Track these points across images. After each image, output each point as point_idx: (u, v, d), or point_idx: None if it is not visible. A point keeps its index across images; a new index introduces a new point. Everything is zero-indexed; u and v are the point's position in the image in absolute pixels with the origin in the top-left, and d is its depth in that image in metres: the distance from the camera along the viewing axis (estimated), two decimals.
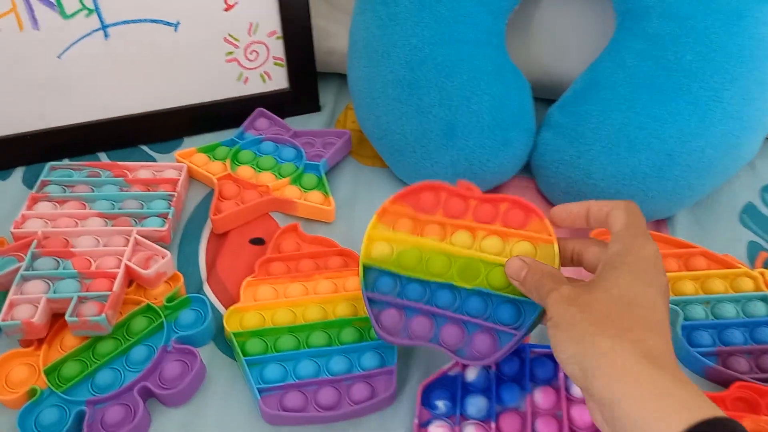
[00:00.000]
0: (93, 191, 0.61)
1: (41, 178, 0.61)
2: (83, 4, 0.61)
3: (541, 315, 0.45)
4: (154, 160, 0.67)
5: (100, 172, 0.63)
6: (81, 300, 0.50)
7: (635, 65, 0.58)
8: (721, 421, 0.32)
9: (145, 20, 0.63)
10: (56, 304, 0.50)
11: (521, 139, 0.62)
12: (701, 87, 0.56)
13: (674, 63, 0.56)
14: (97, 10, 0.61)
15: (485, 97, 0.59)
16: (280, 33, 0.68)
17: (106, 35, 0.63)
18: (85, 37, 0.62)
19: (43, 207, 0.59)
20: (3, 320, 0.49)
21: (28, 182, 0.64)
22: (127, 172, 0.63)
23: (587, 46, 0.65)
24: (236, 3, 0.65)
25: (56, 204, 0.59)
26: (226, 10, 0.65)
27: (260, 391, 0.48)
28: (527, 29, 0.67)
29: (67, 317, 0.49)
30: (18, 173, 0.65)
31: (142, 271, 0.52)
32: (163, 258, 0.54)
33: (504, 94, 0.60)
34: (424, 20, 0.59)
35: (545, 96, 0.70)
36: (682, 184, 0.58)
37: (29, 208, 0.58)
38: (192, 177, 0.65)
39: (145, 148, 0.69)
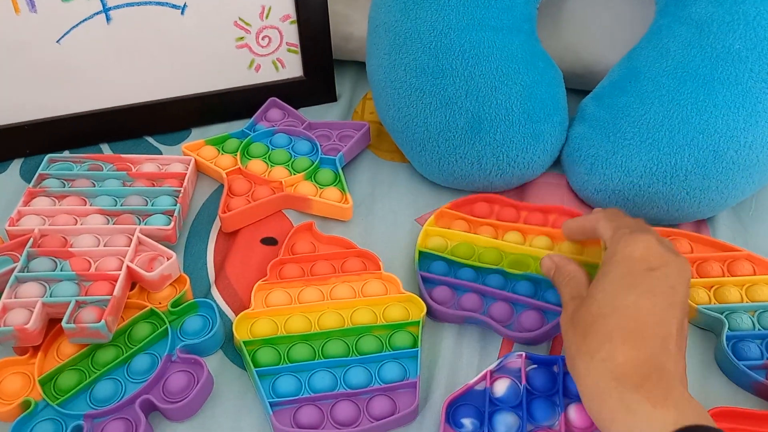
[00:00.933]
0: (94, 186, 0.57)
1: (39, 171, 0.58)
2: None
3: None
4: (160, 153, 0.63)
5: (102, 166, 0.59)
6: (79, 304, 0.46)
7: (679, 54, 0.53)
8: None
9: (149, 2, 0.59)
10: (53, 309, 0.47)
11: (553, 133, 0.58)
12: (751, 78, 0.51)
13: (722, 51, 0.52)
14: None
15: (515, 87, 0.55)
16: (294, 17, 0.64)
17: (108, 18, 0.59)
18: (85, 20, 0.58)
19: (41, 203, 0.55)
20: None
21: (26, 176, 0.61)
22: (131, 166, 0.59)
23: (623, 33, 0.61)
24: None
25: (55, 199, 0.56)
26: None
27: (272, 405, 0.44)
28: (559, 14, 0.62)
29: (63, 324, 0.45)
30: (15, 166, 0.61)
31: (146, 274, 0.49)
32: (168, 259, 0.50)
33: (535, 84, 0.56)
34: (450, 4, 0.55)
35: (577, 87, 0.66)
36: (727, 183, 0.54)
37: (26, 204, 0.55)
38: (200, 171, 0.61)
39: (150, 139, 0.65)
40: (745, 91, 0.51)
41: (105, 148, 0.64)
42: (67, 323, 0.45)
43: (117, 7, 0.59)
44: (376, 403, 0.45)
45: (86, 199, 0.56)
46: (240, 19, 0.63)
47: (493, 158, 0.56)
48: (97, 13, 0.58)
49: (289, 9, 0.64)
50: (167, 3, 0.60)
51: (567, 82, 0.60)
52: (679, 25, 0.54)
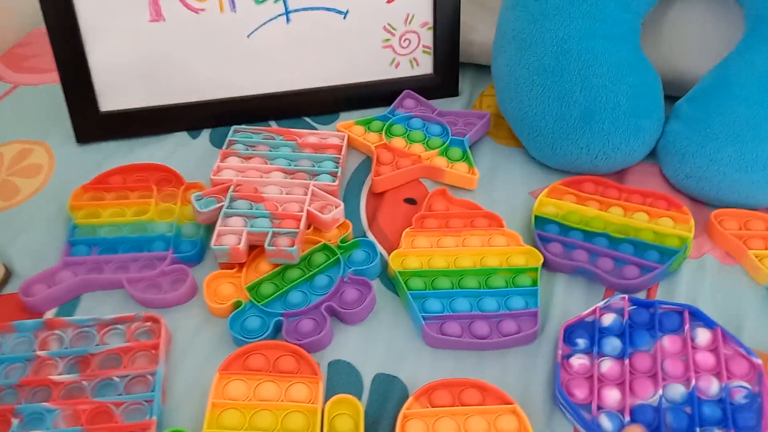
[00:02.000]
0: (270, 151, 0.71)
1: (228, 138, 0.72)
2: None
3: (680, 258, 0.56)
4: (316, 129, 0.77)
5: (275, 136, 0.73)
6: (274, 234, 0.60)
7: (764, 67, 0.64)
8: None
9: (320, 8, 0.74)
10: (254, 237, 0.60)
11: (652, 127, 0.69)
12: None
13: None
14: None
15: (622, 86, 0.66)
16: (431, 24, 0.77)
17: (288, 20, 0.73)
18: (271, 20, 0.73)
19: (233, 161, 0.69)
20: (214, 245, 0.59)
21: (214, 141, 0.75)
22: (297, 138, 0.73)
23: (713, 47, 0.71)
24: None
25: (242, 159, 0.70)
26: (389, 2, 0.75)
27: (424, 318, 0.56)
28: (659, 29, 0.73)
29: (266, 246, 0.59)
30: (205, 134, 0.76)
31: (322, 216, 0.62)
32: (336, 207, 0.63)
33: (638, 85, 0.67)
34: (571, 16, 0.67)
35: (669, 92, 0.76)
36: None
37: (222, 161, 0.69)
38: (349, 145, 0.75)
39: (307, 119, 0.79)
40: None
41: (272, 124, 0.78)
42: (269, 246, 0.59)
43: (295, 10, 0.73)
44: (504, 324, 0.56)
45: (266, 161, 0.70)
46: (388, 24, 0.76)
47: (600, 146, 0.68)
48: (280, 15, 0.73)
49: (428, 17, 0.77)
50: (334, 8, 0.74)
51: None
52: (766, 44, 0.64)
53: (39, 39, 0.90)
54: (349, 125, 0.75)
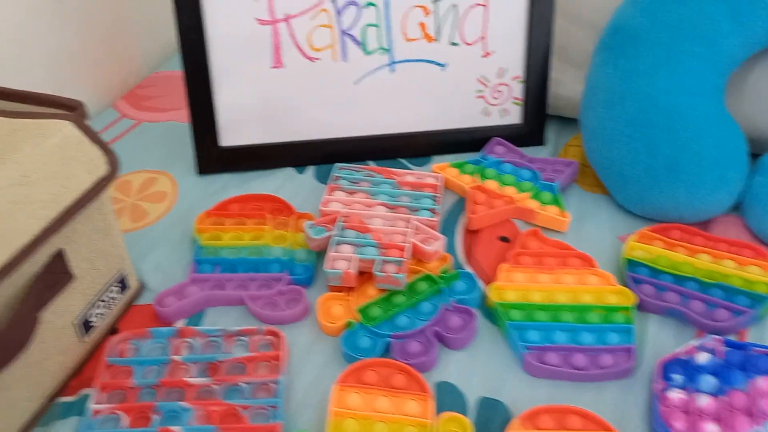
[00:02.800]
0: (372, 187, 0.77)
1: (333, 173, 0.78)
2: (381, 45, 0.79)
3: None
4: (410, 170, 0.83)
5: (375, 174, 0.79)
6: (382, 262, 0.65)
7: None
8: None
9: (422, 60, 0.81)
10: (363, 263, 0.65)
11: (737, 179, 0.72)
12: None
13: None
14: (390, 50, 0.79)
15: (708, 139, 0.70)
16: (522, 78, 0.83)
17: (392, 69, 0.80)
18: (377, 69, 0.80)
19: (339, 195, 0.75)
20: (328, 268, 0.64)
21: (318, 177, 0.82)
22: (396, 176, 0.79)
23: None
24: (494, 52, 0.81)
25: (347, 194, 0.76)
26: (484, 56, 0.81)
27: (525, 347, 0.60)
28: (742, 88, 0.77)
29: (375, 271, 0.64)
30: (310, 170, 0.83)
31: (425, 247, 0.67)
32: (437, 240, 0.68)
33: (723, 139, 0.71)
34: (659, 74, 0.72)
35: (752, 150, 0.80)
36: None
37: (329, 194, 0.75)
38: (444, 186, 0.80)
39: (403, 160, 0.85)
40: None
41: (370, 163, 0.84)
42: (379, 272, 0.63)
43: (400, 61, 0.80)
44: (601, 357, 0.59)
45: (369, 196, 0.75)
46: (483, 77, 0.83)
47: (685, 195, 0.71)
48: (386, 65, 0.80)
49: (520, 71, 0.83)
50: (435, 61, 0.81)
51: None
52: None
53: (157, 82, 1.00)
54: (443, 167, 0.81)
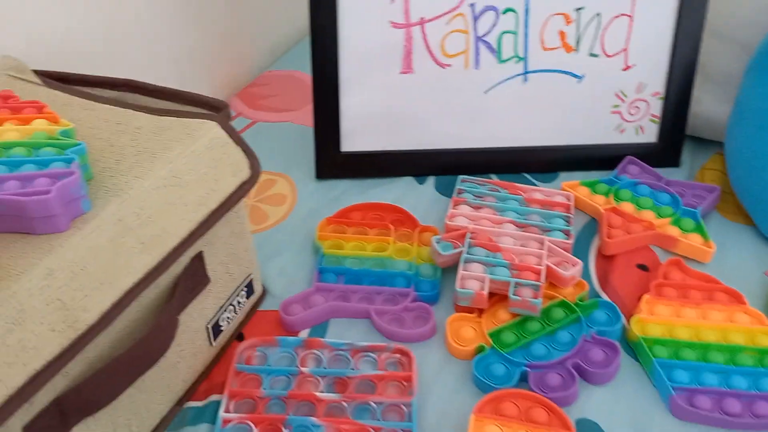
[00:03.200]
0: (498, 203, 0.74)
1: (457, 186, 0.75)
2: (516, 53, 0.75)
3: None
4: (535, 186, 0.79)
5: (500, 189, 0.76)
6: (517, 285, 0.62)
7: None
8: None
9: (557, 71, 0.77)
10: (495, 285, 0.62)
11: None
12: None
13: None
14: (525, 59, 0.76)
15: None
16: (662, 94, 0.78)
17: (525, 79, 0.77)
18: (509, 78, 0.77)
19: (464, 209, 0.72)
20: (459, 288, 0.61)
21: (439, 188, 0.79)
22: (522, 192, 0.75)
23: None
24: (634, 65, 0.76)
25: (473, 208, 0.73)
26: (624, 69, 0.77)
27: (673, 388, 0.55)
28: None
29: (510, 295, 0.60)
30: (431, 180, 0.80)
31: (562, 272, 0.63)
32: (573, 265, 0.64)
33: None
34: None
35: None
36: None
37: (454, 207, 0.72)
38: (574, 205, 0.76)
39: (527, 175, 0.81)
40: None
41: (492, 176, 0.81)
42: (513, 295, 0.60)
43: (534, 71, 0.76)
44: (757, 405, 0.54)
45: (496, 212, 0.72)
46: (621, 91, 0.78)
47: None
48: (519, 75, 0.77)
49: (660, 87, 0.78)
50: (571, 72, 0.77)
51: None
52: None
53: (270, 81, 0.99)
54: (574, 185, 0.77)
